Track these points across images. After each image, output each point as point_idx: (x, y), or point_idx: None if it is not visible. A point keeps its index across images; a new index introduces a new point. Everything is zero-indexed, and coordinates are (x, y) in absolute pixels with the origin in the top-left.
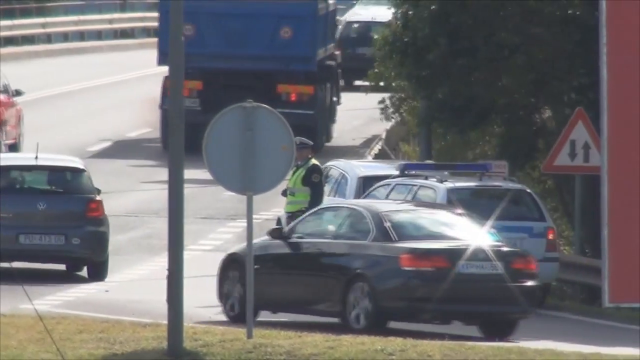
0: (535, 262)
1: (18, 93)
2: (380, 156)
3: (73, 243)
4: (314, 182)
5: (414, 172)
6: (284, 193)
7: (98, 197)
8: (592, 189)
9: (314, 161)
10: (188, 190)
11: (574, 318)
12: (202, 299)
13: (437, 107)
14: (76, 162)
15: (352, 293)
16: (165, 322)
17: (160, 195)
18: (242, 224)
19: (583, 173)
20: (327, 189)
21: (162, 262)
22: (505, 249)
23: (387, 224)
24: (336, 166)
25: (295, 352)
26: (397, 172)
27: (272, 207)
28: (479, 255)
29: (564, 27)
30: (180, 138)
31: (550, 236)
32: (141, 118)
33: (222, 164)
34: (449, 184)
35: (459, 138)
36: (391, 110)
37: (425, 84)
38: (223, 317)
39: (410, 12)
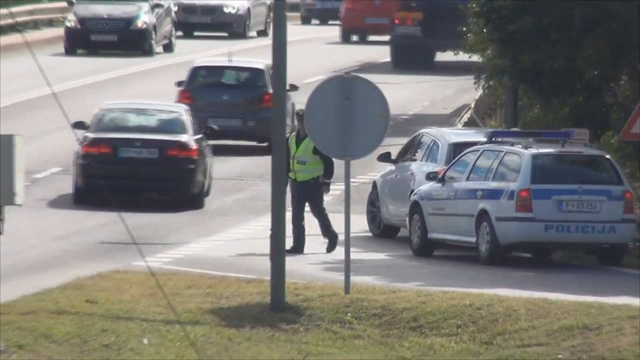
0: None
1: None
2: (469, 124)
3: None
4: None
5: (500, 139)
6: (383, 157)
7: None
8: None
9: None
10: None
11: None
12: (304, 256)
13: (520, 76)
14: (258, 64)
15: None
16: (268, 278)
17: (265, 160)
18: (340, 186)
19: None
20: (418, 154)
21: (265, 222)
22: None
23: None
24: (428, 133)
25: (389, 306)
26: (485, 139)
27: (368, 172)
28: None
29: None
30: (283, 108)
31: (628, 199)
32: None
33: (322, 131)
34: (534, 150)
35: (541, 112)
36: (483, 80)
37: (507, 51)
38: (322, 274)
39: None
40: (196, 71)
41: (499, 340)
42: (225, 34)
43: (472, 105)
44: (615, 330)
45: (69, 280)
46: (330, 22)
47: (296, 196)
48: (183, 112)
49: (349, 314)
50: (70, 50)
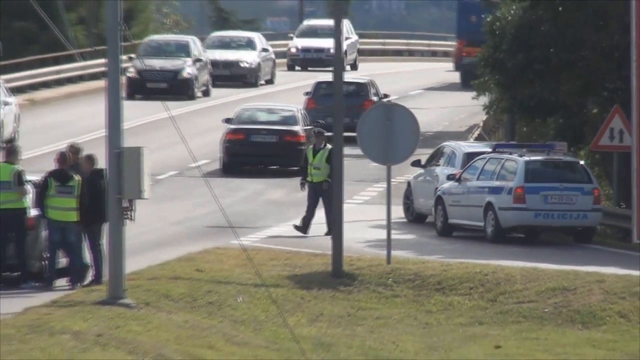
0: None
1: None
2: (479, 139)
3: None
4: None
5: (502, 149)
6: (415, 163)
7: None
8: (625, 162)
9: (329, 146)
10: (347, 161)
11: (612, 251)
12: (357, 235)
13: (517, 105)
14: (362, 79)
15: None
16: (330, 252)
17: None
18: (383, 185)
19: (619, 151)
20: (441, 161)
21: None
22: None
23: None
24: (448, 145)
25: (420, 273)
26: (490, 150)
27: (404, 174)
28: None
29: (603, 51)
30: (340, 124)
31: (596, 194)
32: None
33: (370, 144)
34: (526, 158)
35: (533, 127)
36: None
37: (506, 88)
38: (370, 250)
39: (497, 30)
40: (319, 85)
41: (501, 298)
42: (240, 83)
43: (481, 125)
44: (587, 291)
45: (182, 254)
46: (309, 68)
47: (312, 193)
48: (296, 111)
49: (390, 279)
50: (130, 95)
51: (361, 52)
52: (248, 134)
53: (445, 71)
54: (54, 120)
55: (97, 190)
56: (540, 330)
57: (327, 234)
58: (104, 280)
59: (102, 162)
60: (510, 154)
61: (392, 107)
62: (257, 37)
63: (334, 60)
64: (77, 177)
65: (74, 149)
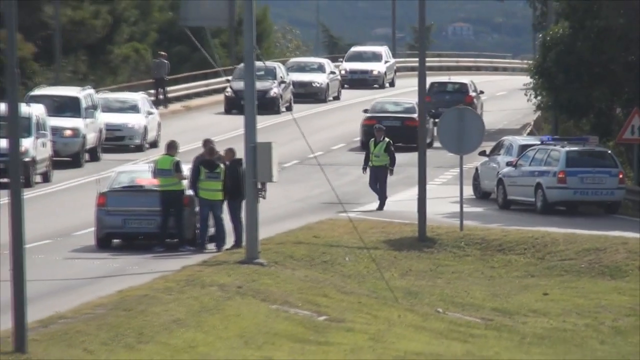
0: None
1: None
2: (531, 134)
3: None
4: (391, 149)
5: (548, 142)
6: (481, 153)
7: None
8: None
9: (387, 139)
10: (429, 152)
11: (634, 220)
12: (437, 209)
13: (558, 106)
14: (464, 80)
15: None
16: (416, 222)
17: (413, 156)
18: (456, 170)
19: (639, 142)
20: (502, 151)
21: (414, 190)
22: None
23: None
24: (507, 139)
25: (485, 237)
26: (539, 142)
27: (473, 161)
28: None
29: (626, 66)
30: (424, 126)
31: (621, 176)
32: None
33: (447, 138)
34: (567, 148)
35: (572, 124)
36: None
37: (551, 91)
38: (447, 219)
39: (546, 44)
40: (433, 84)
41: (548, 257)
42: (312, 100)
43: (532, 123)
44: (614, 251)
45: (303, 224)
46: (355, 87)
47: (373, 176)
48: (414, 104)
49: (462, 242)
50: (228, 111)
51: (439, 69)
52: (379, 120)
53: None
54: (204, 122)
55: (237, 175)
56: (578, 281)
57: (378, 209)
58: (242, 245)
59: (240, 153)
60: (555, 145)
61: (463, 111)
62: (326, 63)
63: (419, 72)
64: (222, 165)
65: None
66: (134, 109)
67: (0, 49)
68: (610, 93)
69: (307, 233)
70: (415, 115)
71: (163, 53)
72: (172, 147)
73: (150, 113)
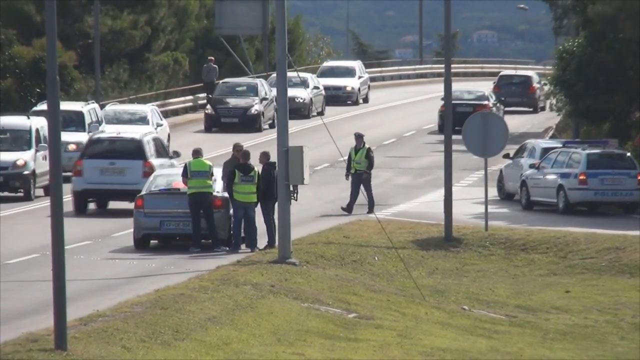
0: None
1: None
2: (553, 137)
3: None
4: (371, 155)
5: (569, 145)
6: (505, 156)
7: None
8: None
9: (367, 145)
10: (455, 155)
11: None
12: (463, 210)
13: (578, 113)
14: (528, 72)
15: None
16: (443, 223)
17: (440, 158)
18: (481, 172)
19: None
20: (525, 154)
21: (440, 192)
22: None
23: None
24: (530, 142)
25: (509, 237)
26: (561, 145)
27: (497, 164)
28: None
29: None
30: (450, 128)
31: (639, 177)
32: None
33: (473, 141)
34: (588, 150)
35: (592, 129)
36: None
37: (571, 100)
38: (473, 220)
39: (564, 54)
40: (501, 77)
41: (570, 255)
42: (295, 116)
43: (554, 127)
44: (633, 250)
45: (333, 225)
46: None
47: (354, 182)
48: (485, 92)
49: (487, 242)
50: (208, 129)
51: (464, 74)
52: (455, 106)
53: None
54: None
55: (270, 178)
56: (599, 279)
57: (368, 213)
58: (275, 245)
59: (273, 157)
60: (576, 148)
61: (488, 115)
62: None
63: (445, 78)
64: (256, 169)
65: (238, 147)
66: (143, 120)
67: (42, 57)
68: (628, 100)
69: (338, 233)
70: (486, 102)
71: (212, 58)
72: (199, 152)
73: (159, 125)
